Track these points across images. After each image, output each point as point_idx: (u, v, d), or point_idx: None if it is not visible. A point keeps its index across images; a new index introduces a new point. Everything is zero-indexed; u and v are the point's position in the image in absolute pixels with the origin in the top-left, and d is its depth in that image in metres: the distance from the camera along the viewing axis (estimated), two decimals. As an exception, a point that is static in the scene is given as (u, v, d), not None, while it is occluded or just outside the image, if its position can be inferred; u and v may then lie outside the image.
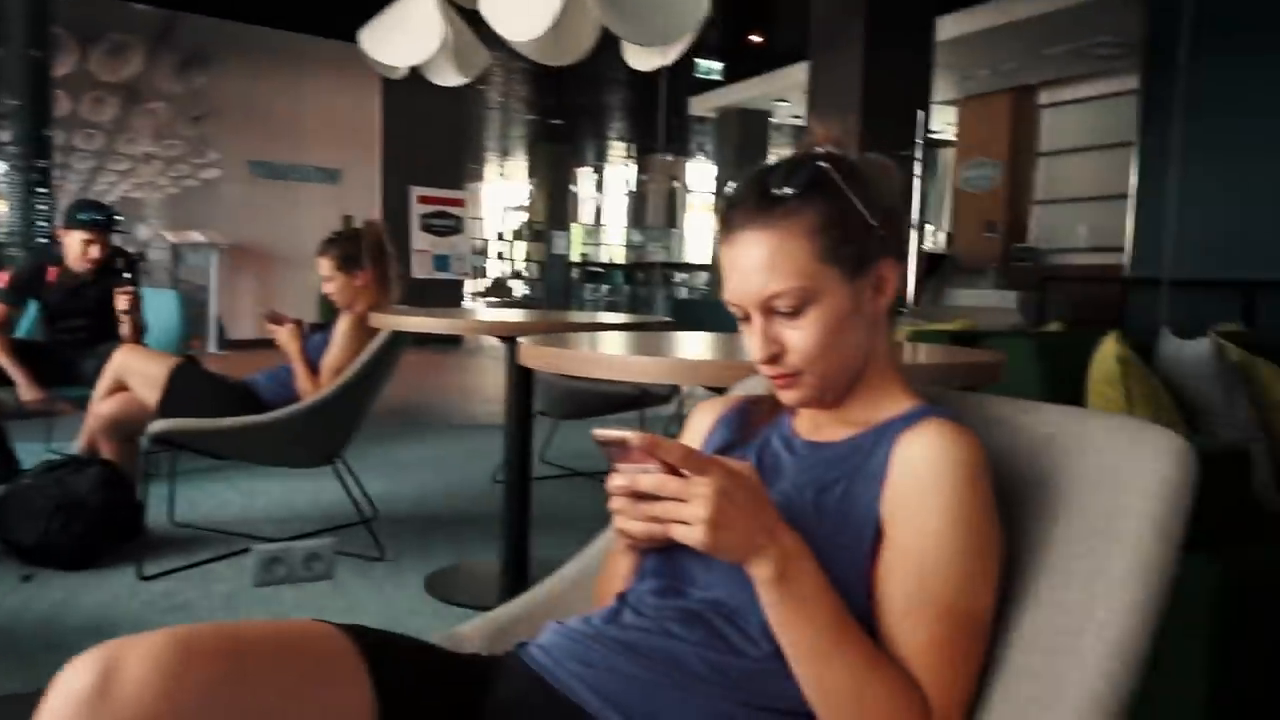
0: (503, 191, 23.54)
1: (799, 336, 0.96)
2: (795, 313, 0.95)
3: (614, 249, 21.21)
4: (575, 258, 18.49)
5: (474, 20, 5.64)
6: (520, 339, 1.94)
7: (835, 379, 0.99)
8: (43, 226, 5.29)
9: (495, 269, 20.34)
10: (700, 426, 1.19)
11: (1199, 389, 2.46)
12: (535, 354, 1.80)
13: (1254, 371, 2.58)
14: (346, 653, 0.89)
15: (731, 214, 0.97)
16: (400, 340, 3.14)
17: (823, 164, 0.96)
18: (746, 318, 0.99)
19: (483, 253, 19.68)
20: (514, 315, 3.49)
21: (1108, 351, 2.38)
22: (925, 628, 0.87)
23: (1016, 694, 0.87)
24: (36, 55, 5.55)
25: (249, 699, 0.80)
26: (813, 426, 1.06)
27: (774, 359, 0.97)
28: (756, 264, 0.95)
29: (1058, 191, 10.54)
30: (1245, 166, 6.49)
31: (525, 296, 17.60)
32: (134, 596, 2.70)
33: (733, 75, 11.74)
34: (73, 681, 0.78)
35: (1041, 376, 2.51)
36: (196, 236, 8.62)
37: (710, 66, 10.70)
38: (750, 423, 1.15)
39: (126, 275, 3.74)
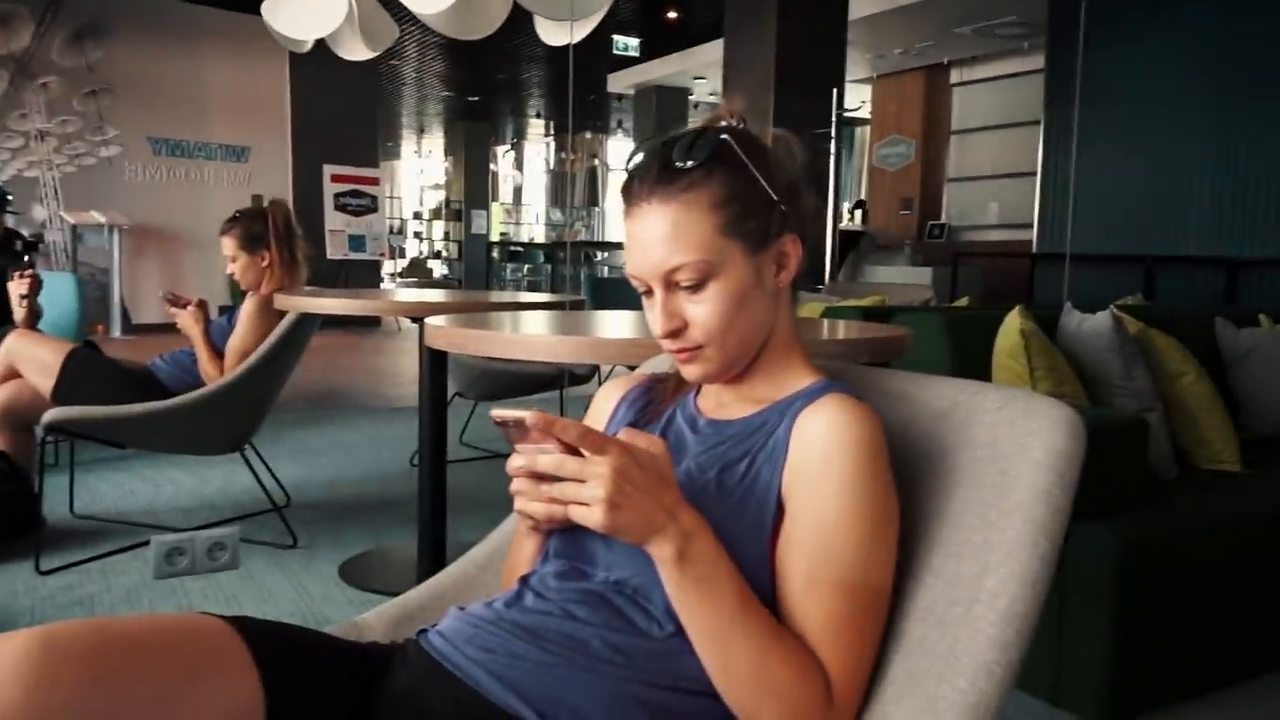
0: (420, 170, 23.16)
1: (700, 311, 0.95)
2: (697, 287, 0.95)
3: (534, 228, 21.05)
4: (495, 237, 18.29)
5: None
6: (429, 320, 1.90)
7: (737, 354, 0.99)
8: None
9: (413, 249, 20.02)
10: (605, 406, 1.18)
11: (1099, 361, 2.54)
12: (443, 335, 1.76)
13: (1152, 344, 2.67)
14: (231, 645, 0.86)
15: (634, 186, 0.96)
16: (309, 322, 3.07)
17: (725, 136, 0.95)
18: (649, 292, 0.98)
19: (400, 232, 19.34)
20: (427, 295, 3.43)
21: (1012, 325, 2.44)
22: (825, 603, 0.87)
23: (914, 665, 0.88)
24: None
25: (123, 698, 0.77)
26: (716, 404, 1.06)
27: (675, 333, 0.97)
28: (658, 237, 0.94)
29: (970, 169, 10.77)
30: (1143, 146, 6.70)
31: (444, 277, 17.36)
32: (31, 592, 2.60)
33: (650, 52, 11.71)
34: None
35: (950, 351, 2.56)
36: (96, 217, 8.27)
37: (627, 43, 10.64)
38: (655, 401, 1.15)
39: (26, 258, 3.57)
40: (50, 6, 8.40)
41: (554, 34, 5.05)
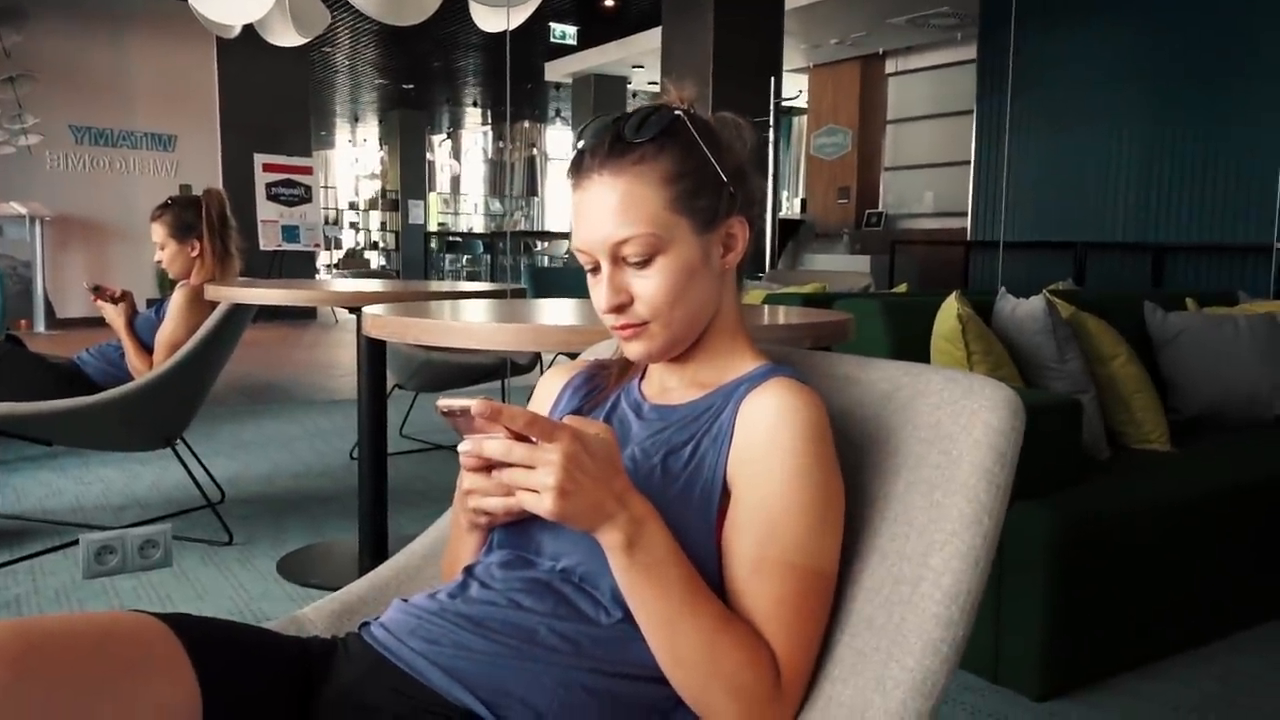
0: (355, 159, 22.78)
1: (646, 285, 0.95)
2: (644, 262, 0.94)
3: (473, 218, 20.86)
4: (433, 227, 18.10)
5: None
6: (368, 309, 1.86)
7: (681, 332, 0.98)
8: None
9: (350, 240, 19.71)
10: (549, 393, 1.17)
11: (1034, 345, 2.59)
12: (382, 324, 1.73)
13: (1084, 327, 2.73)
14: (164, 643, 0.83)
15: (583, 160, 0.95)
16: (242, 314, 3.00)
17: (679, 113, 0.96)
18: (595, 268, 0.97)
19: (336, 223, 19.03)
20: (364, 285, 3.37)
21: (949, 311, 2.47)
22: (772, 586, 0.87)
23: (862, 645, 0.88)
24: None
25: (50, 699, 0.74)
26: (660, 389, 1.06)
27: (620, 308, 0.96)
28: (607, 210, 0.93)
29: (906, 159, 10.92)
30: (1072, 135, 6.86)
31: (382, 267, 17.12)
32: (-49, 596, 2.51)
33: (587, 40, 11.65)
34: None
35: (889, 336, 2.59)
36: (16, 208, 7.99)
37: (565, 31, 10.57)
38: (598, 387, 1.14)
39: None
40: (-36, -11, 8.08)
41: (490, 20, 4.99)
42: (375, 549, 2.77)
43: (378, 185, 19.89)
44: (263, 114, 9.81)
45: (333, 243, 17.81)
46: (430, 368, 3.90)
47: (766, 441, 0.91)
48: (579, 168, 0.96)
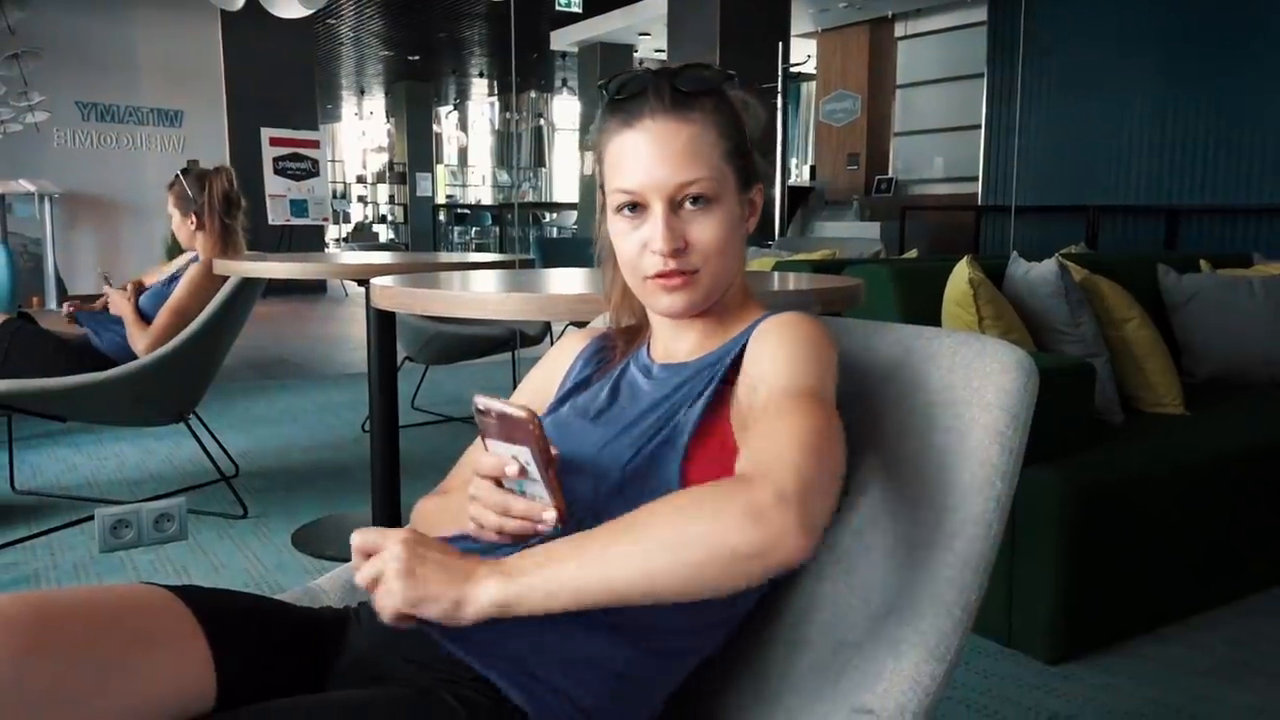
0: (362, 132, 22.70)
1: (703, 231, 0.95)
2: (703, 208, 0.94)
3: (481, 190, 20.80)
4: (441, 200, 18.05)
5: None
6: (375, 280, 1.86)
7: (718, 283, 0.99)
8: None
9: (358, 213, 19.69)
10: (563, 359, 1.18)
11: (1046, 308, 2.57)
12: (390, 295, 1.72)
13: (1097, 290, 2.71)
14: (177, 615, 0.84)
15: (633, 106, 0.95)
16: (251, 288, 3.00)
17: (732, 74, 0.98)
18: (633, 208, 0.95)
19: (344, 197, 19.00)
20: (373, 258, 3.36)
21: (960, 275, 2.45)
22: (764, 423, 0.81)
23: (874, 609, 0.88)
24: None
25: (64, 671, 0.74)
26: (667, 353, 1.06)
27: (678, 252, 0.95)
28: (673, 151, 0.93)
29: (916, 124, 10.82)
30: (1084, 98, 6.77)
31: (391, 241, 17.11)
32: (-29, 572, 2.53)
33: (593, 8, 11.54)
34: None
35: (900, 301, 2.57)
36: (25, 186, 7.99)
37: (570, -1, 10.47)
38: (608, 356, 1.14)
39: None
40: (-34, -35, 8.03)
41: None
42: (388, 520, 2.78)
43: (385, 158, 19.83)
44: (269, 88, 9.76)
45: (341, 217, 17.80)
46: (440, 340, 3.90)
47: (772, 349, 0.91)
48: (631, 111, 0.95)
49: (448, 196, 19.13)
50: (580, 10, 10.51)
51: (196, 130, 9.47)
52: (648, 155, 0.94)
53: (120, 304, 2.98)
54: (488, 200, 19.84)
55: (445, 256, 3.09)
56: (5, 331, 2.87)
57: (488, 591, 0.75)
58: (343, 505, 3.11)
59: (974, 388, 0.93)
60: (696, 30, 7.18)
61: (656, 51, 12.87)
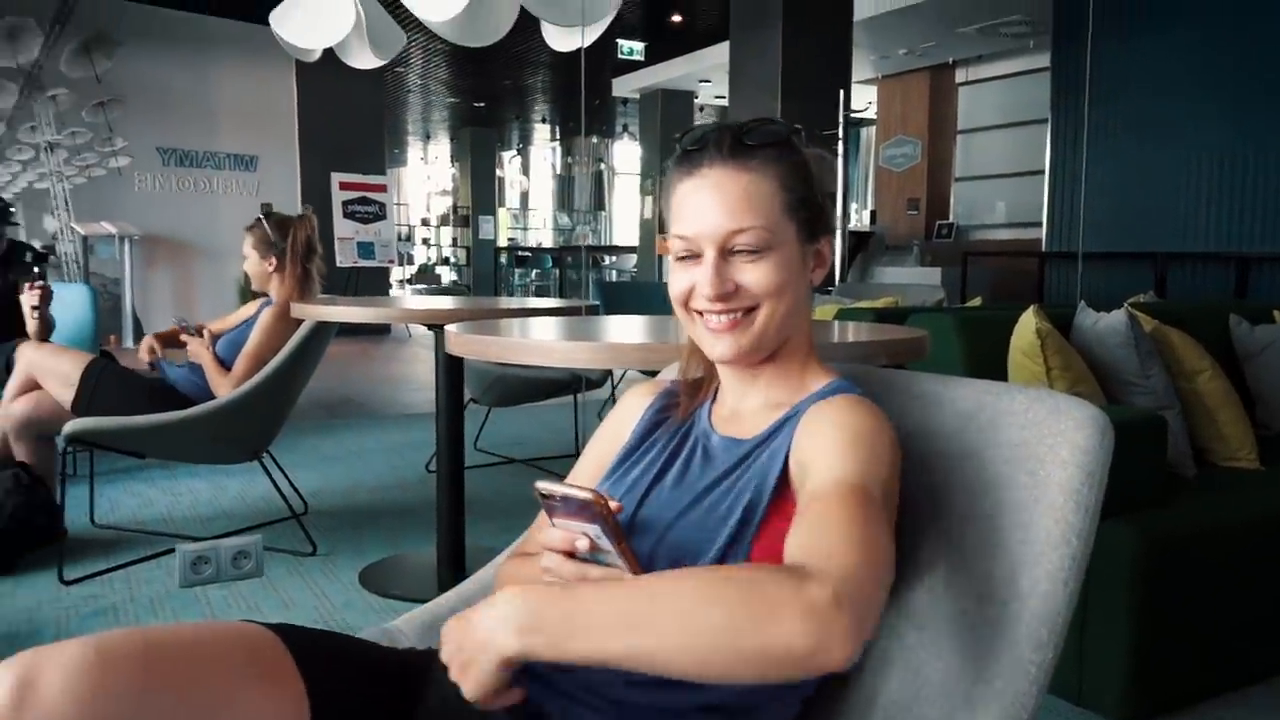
0: (427, 176, 23.21)
1: (754, 276, 0.97)
2: (755, 255, 0.96)
3: (542, 233, 21.09)
4: (503, 242, 18.34)
5: (389, 0, 5.55)
6: (449, 327, 1.91)
7: (775, 329, 0.99)
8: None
9: (422, 255, 20.07)
10: (632, 410, 1.18)
11: (1115, 359, 2.54)
12: (463, 342, 1.78)
13: (1167, 341, 2.67)
14: (275, 653, 0.87)
15: (696, 156, 0.99)
16: (326, 330, 3.09)
17: (798, 126, 1.01)
18: (690, 256, 0.99)
19: (408, 239, 19.39)
20: (441, 302, 3.45)
21: (1027, 325, 2.44)
22: (816, 516, 0.80)
23: (948, 664, 0.89)
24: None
25: (172, 706, 0.78)
26: (732, 415, 1.06)
27: (725, 296, 0.97)
28: (727, 200, 0.96)
29: (977, 168, 10.76)
30: (1152, 143, 6.69)
31: (454, 282, 17.40)
32: (56, 601, 2.62)
33: (654, 56, 11.73)
34: None
35: (964, 351, 2.57)
36: (107, 228, 8.32)
37: (632, 47, 10.65)
38: (672, 409, 1.14)
39: (36, 269, 3.60)
40: (58, 18, 8.46)
41: (561, 40, 5.07)
42: (453, 561, 2.83)
43: (449, 201, 20.23)
44: (339, 134, 10.07)
45: (404, 258, 18.15)
46: (504, 383, 3.97)
47: (826, 439, 0.90)
48: (692, 162, 0.99)
49: (509, 239, 19.42)
50: (642, 59, 10.69)
51: (270, 174, 9.78)
52: (702, 203, 0.97)
53: (200, 352, 3.08)
54: (548, 243, 20.11)
55: (512, 301, 3.15)
56: (92, 370, 2.99)
57: (504, 645, 0.76)
58: (408, 545, 3.16)
59: (1049, 445, 0.94)
60: (758, 77, 7.26)
61: (717, 98, 13.03)
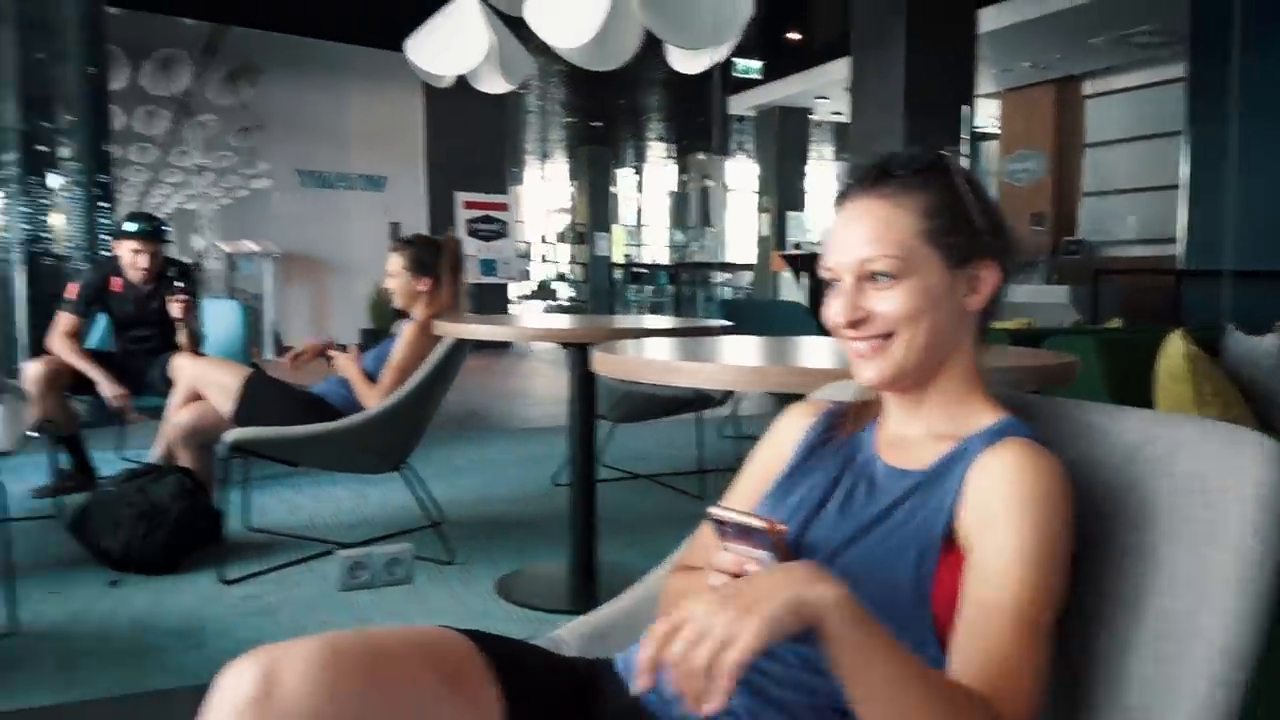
0: (544, 194, 23.68)
1: (886, 302, 0.99)
2: (887, 282, 0.99)
3: (656, 249, 21.26)
4: (618, 259, 18.56)
5: (518, 26, 5.73)
6: (592, 346, 1.98)
7: (916, 357, 1.00)
8: (105, 240, 5.44)
9: (539, 272, 20.48)
10: (790, 432, 1.19)
11: (1269, 384, 2.45)
12: (611, 362, 1.84)
13: (1324, 366, 2.56)
14: (475, 658, 0.94)
15: (848, 189, 1.04)
16: (464, 347, 3.21)
17: (945, 153, 1.03)
18: (836, 284, 1.03)
19: (526, 256, 19.82)
20: (574, 321, 3.55)
21: (1175, 349, 2.38)
22: (999, 639, 0.85)
23: (1130, 701, 0.89)
24: (93, 72, 5.70)
25: (393, 703, 0.85)
26: (897, 441, 1.07)
27: (856, 323, 1.00)
28: (863, 230, 1.00)
29: (1106, 183, 10.41)
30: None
31: (570, 299, 17.70)
32: (218, 600, 2.79)
33: (771, 74, 11.73)
34: (236, 685, 0.83)
35: (1105, 374, 2.51)
36: (250, 246, 8.80)
37: (749, 65, 10.69)
38: (836, 431, 1.15)
39: (179, 283, 3.84)
40: (207, 49, 9.00)
41: (686, 62, 5.14)
42: (585, 573, 2.90)
43: (565, 219, 20.60)
44: (464, 154, 10.40)
45: (522, 274, 18.55)
46: (631, 399, 4.04)
47: (1000, 505, 0.91)
48: (843, 196, 1.03)
49: (625, 255, 19.65)
50: (760, 76, 10.72)
51: (398, 194, 10.17)
52: (841, 236, 1.01)
53: (347, 367, 3.25)
54: (662, 259, 20.26)
55: (623, 317, 3.21)
56: (251, 382, 3.18)
57: (831, 596, 0.76)
58: (539, 556, 3.25)
59: (1226, 479, 0.93)
60: (880, 94, 7.20)
61: (834, 114, 12.94)
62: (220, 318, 4.80)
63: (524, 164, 21.11)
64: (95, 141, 5.64)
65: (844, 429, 1.14)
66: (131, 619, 2.65)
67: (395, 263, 3.28)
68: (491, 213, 10.32)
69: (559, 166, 20.88)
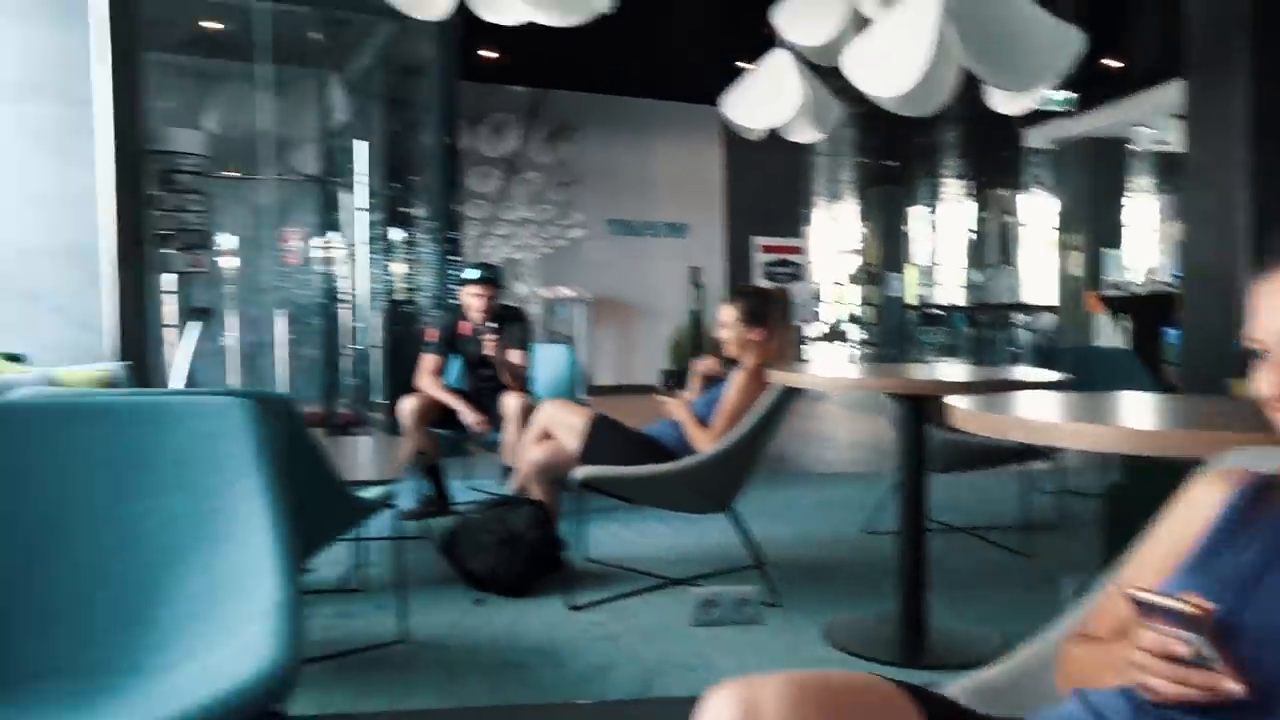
0: (833, 236, 23.61)
1: None
2: None
3: (950, 290, 20.54)
4: (911, 300, 18.12)
5: (831, 76, 5.81)
6: (951, 400, 1.99)
7: None
8: (453, 289, 6.09)
9: (829, 314, 20.40)
10: (1204, 502, 1.14)
11: None
12: (976, 419, 1.83)
13: None
14: (911, 709, 0.99)
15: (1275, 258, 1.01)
16: (791, 395, 3.30)
17: None
18: (1259, 353, 1.00)
19: (816, 298, 19.82)
20: (921, 373, 3.54)
21: None
22: None
23: None
24: (447, 141, 6.42)
25: None
26: None
27: None
28: None
29: None
30: None
31: (862, 341, 17.49)
32: (568, 625, 3.03)
33: (1086, 103, 11.10)
34: (721, 711, 0.94)
35: None
36: (565, 291, 9.50)
37: (1068, 97, 10.18)
38: (1264, 504, 1.09)
39: (489, 324, 4.25)
40: (531, 112, 9.84)
41: (1007, 104, 5.02)
42: (914, 625, 2.88)
43: (855, 260, 20.40)
44: (761, 199, 10.66)
45: (813, 317, 18.56)
46: (951, 448, 3.96)
47: None
48: (1268, 264, 1.01)
49: (917, 296, 19.15)
50: (1072, 108, 10.18)
51: (698, 240, 10.58)
52: (1268, 302, 0.98)
53: (679, 411, 3.44)
54: (956, 299, 19.54)
55: (984, 371, 3.15)
56: (595, 424, 3.44)
57: None
58: (860, 604, 3.24)
59: None
60: (1219, 122, 6.62)
61: (1159, 144, 12.01)
62: (549, 361, 5.22)
63: (812, 206, 21.19)
64: (446, 202, 6.34)
65: (1274, 501, 1.08)
66: (495, 635, 2.94)
67: (729, 313, 3.44)
68: (787, 256, 10.46)
69: (848, 207, 20.75)
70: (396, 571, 3.11)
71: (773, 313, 3.40)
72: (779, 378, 3.05)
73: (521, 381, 4.34)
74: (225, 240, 6.63)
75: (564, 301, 9.73)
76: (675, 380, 3.86)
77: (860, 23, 5.07)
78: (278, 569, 1.67)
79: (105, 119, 4.13)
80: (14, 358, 3.62)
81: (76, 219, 4.25)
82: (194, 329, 5.09)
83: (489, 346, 4.22)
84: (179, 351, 5.05)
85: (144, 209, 4.53)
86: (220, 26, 6.98)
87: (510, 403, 4.17)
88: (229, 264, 6.97)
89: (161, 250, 4.75)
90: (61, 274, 4.21)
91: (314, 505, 2.34)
